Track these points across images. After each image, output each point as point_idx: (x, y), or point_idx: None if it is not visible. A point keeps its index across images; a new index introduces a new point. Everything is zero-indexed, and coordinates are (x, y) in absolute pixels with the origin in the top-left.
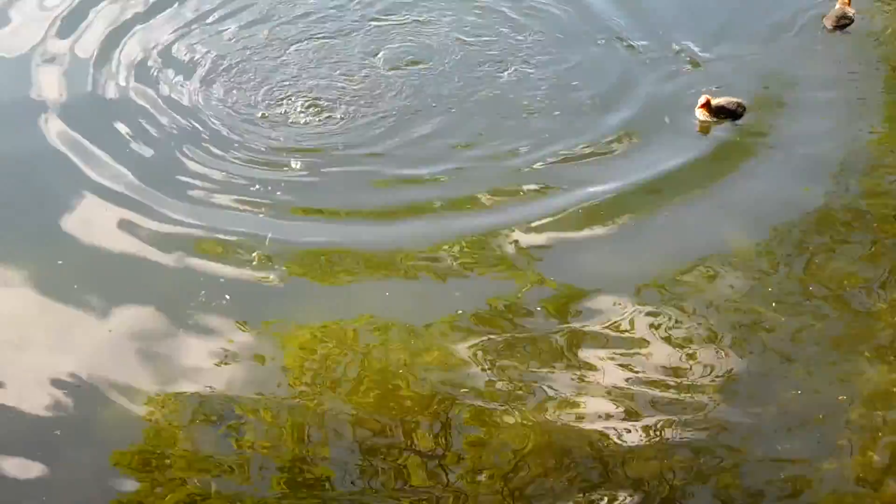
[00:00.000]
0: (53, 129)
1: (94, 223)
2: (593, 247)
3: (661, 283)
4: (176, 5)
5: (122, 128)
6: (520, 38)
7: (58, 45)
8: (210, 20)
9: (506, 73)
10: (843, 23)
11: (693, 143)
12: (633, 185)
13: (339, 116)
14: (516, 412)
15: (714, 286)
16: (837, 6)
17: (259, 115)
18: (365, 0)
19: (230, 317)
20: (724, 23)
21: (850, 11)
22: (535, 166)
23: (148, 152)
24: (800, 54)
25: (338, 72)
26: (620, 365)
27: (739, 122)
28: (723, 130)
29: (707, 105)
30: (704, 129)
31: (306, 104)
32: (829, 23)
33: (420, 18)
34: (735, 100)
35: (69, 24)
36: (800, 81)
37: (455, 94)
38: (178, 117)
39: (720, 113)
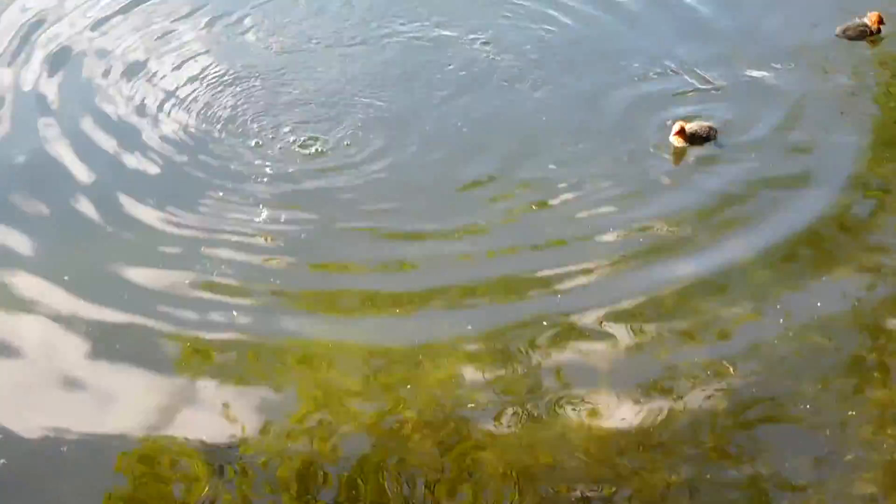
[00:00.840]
0: None
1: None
2: None
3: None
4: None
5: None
6: (549, 64)
7: None
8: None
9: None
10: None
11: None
12: None
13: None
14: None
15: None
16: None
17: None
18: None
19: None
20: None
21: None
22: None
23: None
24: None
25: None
26: (625, 377)
27: (715, 144)
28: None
29: (682, 132)
30: (680, 154)
31: (301, 137)
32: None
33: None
34: (706, 124)
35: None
36: None
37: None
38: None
39: (695, 139)
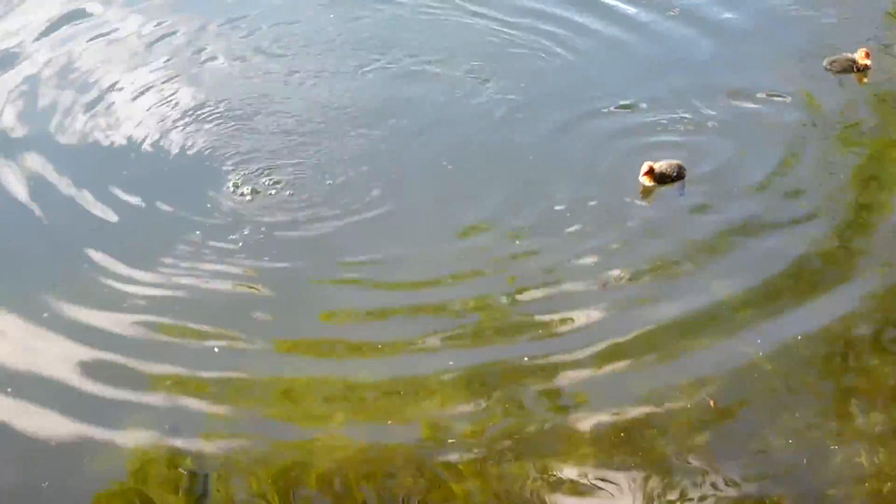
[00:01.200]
0: None
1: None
2: None
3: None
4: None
5: None
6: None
7: None
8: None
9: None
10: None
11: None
12: None
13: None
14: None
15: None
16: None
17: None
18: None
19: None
20: None
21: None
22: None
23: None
24: None
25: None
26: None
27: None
28: None
29: (650, 172)
30: (647, 192)
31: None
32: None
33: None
34: (675, 162)
35: None
36: None
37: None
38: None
39: (664, 179)
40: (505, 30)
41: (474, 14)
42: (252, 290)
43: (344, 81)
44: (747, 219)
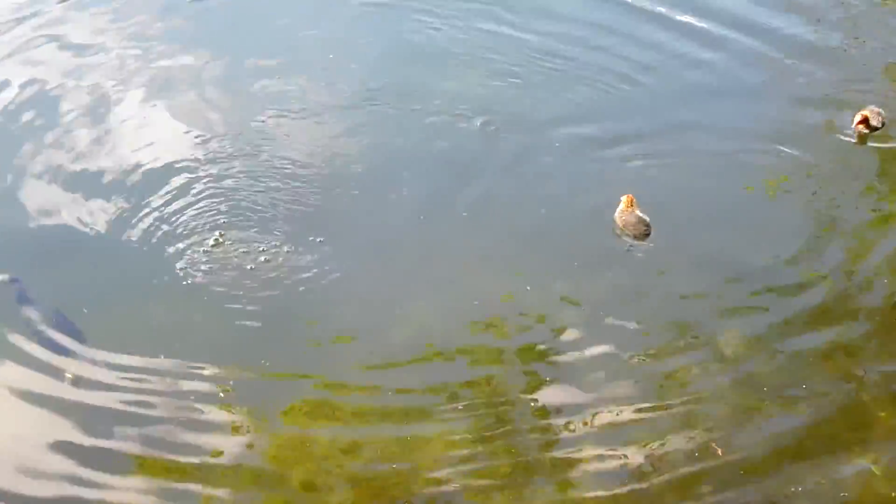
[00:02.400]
0: None
1: None
2: None
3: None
4: None
5: None
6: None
7: None
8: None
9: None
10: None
11: None
12: None
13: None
14: None
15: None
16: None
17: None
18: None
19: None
20: None
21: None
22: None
23: None
24: None
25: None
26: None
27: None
28: None
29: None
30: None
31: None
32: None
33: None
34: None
35: None
36: None
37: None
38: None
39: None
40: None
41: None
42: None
43: (347, 126)
44: None
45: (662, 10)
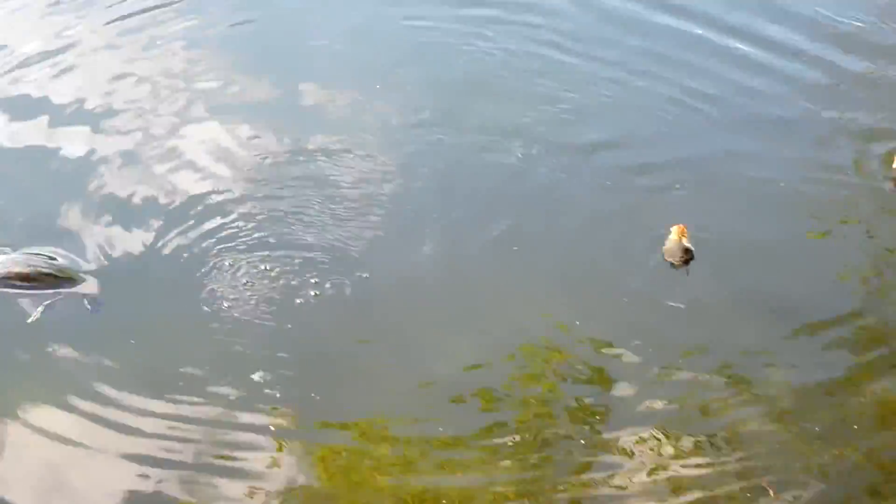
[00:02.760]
0: None
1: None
2: None
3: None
4: None
5: None
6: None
7: None
8: None
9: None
10: None
11: None
12: None
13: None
14: None
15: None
16: None
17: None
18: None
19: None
20: None
21: None
22: None
23: None
24: None
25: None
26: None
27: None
28: None
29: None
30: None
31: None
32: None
33: None
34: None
35: None
36: None
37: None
38: None
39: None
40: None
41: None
42: None
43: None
44: None
45: (717, 36)
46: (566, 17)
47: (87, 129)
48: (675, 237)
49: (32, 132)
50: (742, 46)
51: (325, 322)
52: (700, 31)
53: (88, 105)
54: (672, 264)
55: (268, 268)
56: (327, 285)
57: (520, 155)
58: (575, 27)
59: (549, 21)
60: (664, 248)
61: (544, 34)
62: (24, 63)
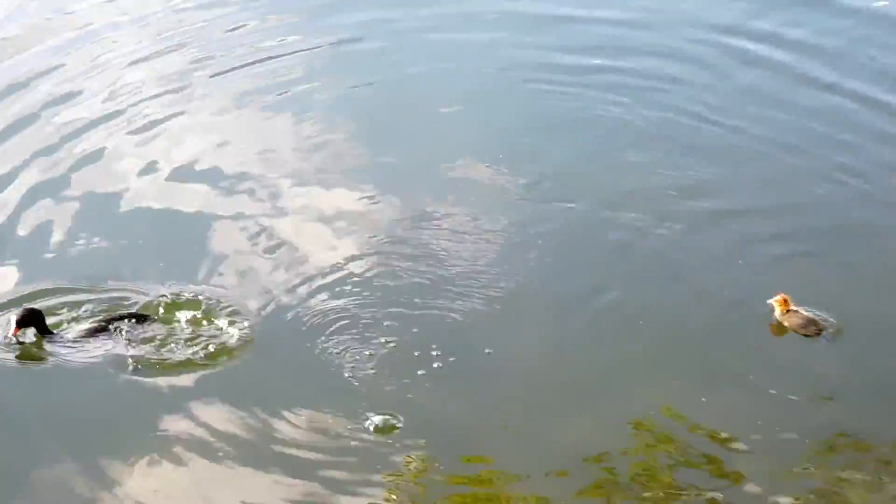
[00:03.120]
0: None
1: None
2: None
3: None
4: None
5: None
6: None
7: None
8: None
9: None
10: None
11: None
12: None
13: None
14: None
15: None
16: None
17: None
18: None
19: None
20: None
21: None
22: None
23: None
24: None
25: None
26: None
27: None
28: None
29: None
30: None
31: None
32: None
33: None
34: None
35: None
36: None
37: None
38: None
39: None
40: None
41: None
42: None
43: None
44: None
45: (868, 112)
46: (704, 87)
47: (205, 187)
48: (781, 310)
49: (151, 190)
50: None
51: (445, 394)
52: (854, 107)
53: (205, 165)
54: (805, 335)
55: (386, 341)
56: (451, 358)
57: (653, 229)
58: (716, 98)
59: (686, 90)
60: (788, 324)
61: (682, 102)
62: (152, 124)
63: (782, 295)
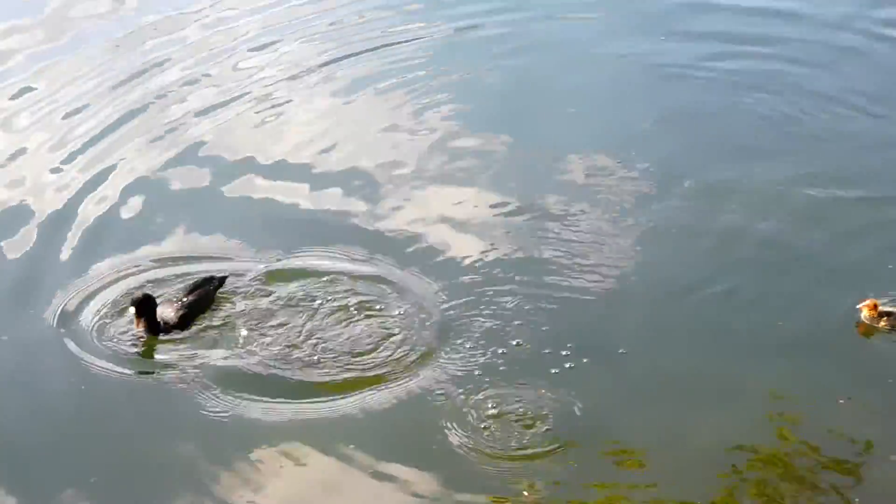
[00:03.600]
0: None
1: None
2: None
3: None
4: None
5: None
6: None
7: None
8: None
9: None
10: None
11: None
12: None
13: None
14: None
15: None
16: None
17: None
18: None
19: None
20: None
21: None
22: None
23: None
24: None
25: None
26: None
27: None
28: None
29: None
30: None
31: None
32: None
33: None
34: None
35: None
36: None
37: None
38: None
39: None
40: None
41: None
42: None
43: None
44: None
45: None
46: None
47: (324, 178)
48: (868, 314)
49: (276, 188)
50: None
51: (579, 392)
52: None
53: (323, 153)
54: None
55: (516, 339)
56: (584, 360)
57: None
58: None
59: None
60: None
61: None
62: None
63: (871, 301)
